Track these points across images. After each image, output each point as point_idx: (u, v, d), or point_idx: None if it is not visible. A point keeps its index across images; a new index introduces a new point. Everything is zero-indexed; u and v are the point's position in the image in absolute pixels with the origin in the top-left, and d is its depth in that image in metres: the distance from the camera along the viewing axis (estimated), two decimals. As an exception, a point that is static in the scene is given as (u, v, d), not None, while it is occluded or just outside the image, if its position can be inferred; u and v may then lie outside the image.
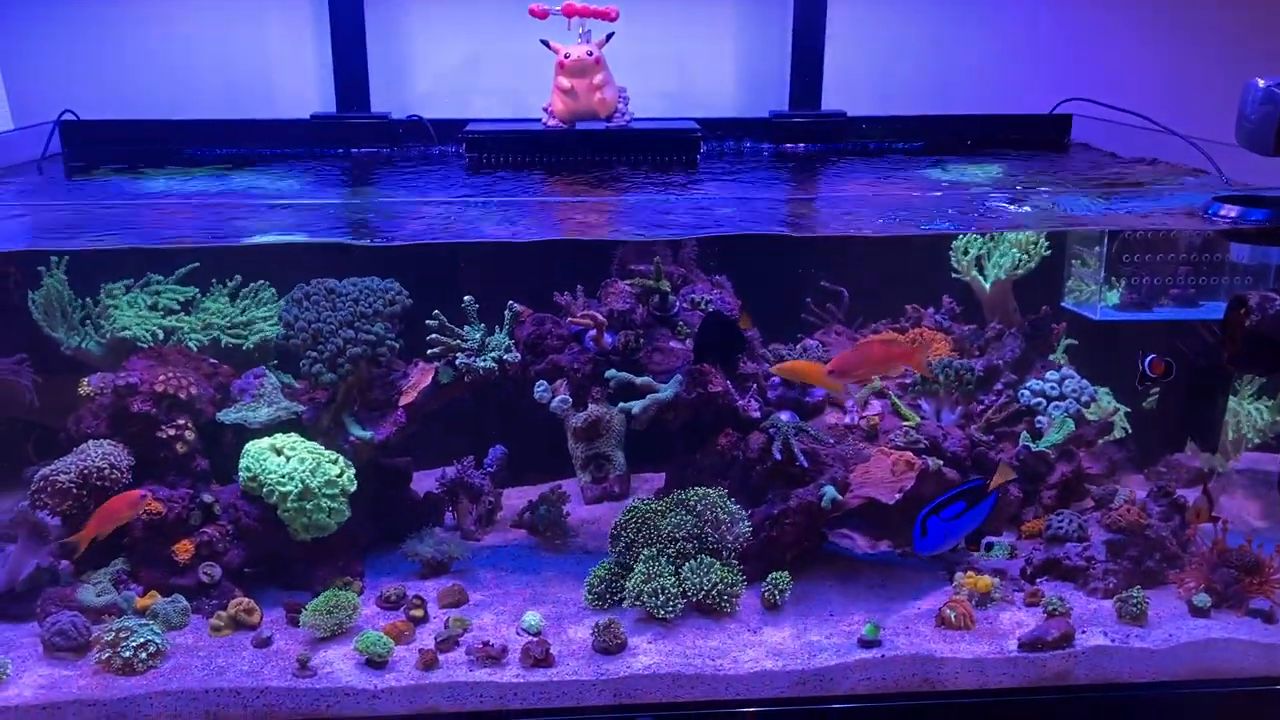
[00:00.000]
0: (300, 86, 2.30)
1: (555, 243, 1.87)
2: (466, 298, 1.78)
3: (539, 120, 2.02)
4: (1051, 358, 2.06)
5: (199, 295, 1.94)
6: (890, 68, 2.38)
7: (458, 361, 1.74)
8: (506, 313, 1.81)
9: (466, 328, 1.78)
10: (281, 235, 1.76)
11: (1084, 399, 1.94)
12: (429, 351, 1.77)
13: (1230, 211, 1.54)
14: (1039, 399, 1.95)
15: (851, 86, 2.36)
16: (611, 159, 2.02)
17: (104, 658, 1.54)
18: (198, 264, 1.91)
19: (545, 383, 1.76)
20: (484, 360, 1.75)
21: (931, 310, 2.12)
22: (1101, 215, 1.71)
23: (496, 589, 1.81)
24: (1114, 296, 1.93)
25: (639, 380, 1.74)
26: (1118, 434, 1.99)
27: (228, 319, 1.94)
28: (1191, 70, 2.36)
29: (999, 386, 1.97)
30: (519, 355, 1.78)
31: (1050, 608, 1.68)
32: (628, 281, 1.84)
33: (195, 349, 1.90)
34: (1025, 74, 2.38)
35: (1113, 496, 1.84)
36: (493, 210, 1.86)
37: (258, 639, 1.64)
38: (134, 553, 1.72)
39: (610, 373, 1.74)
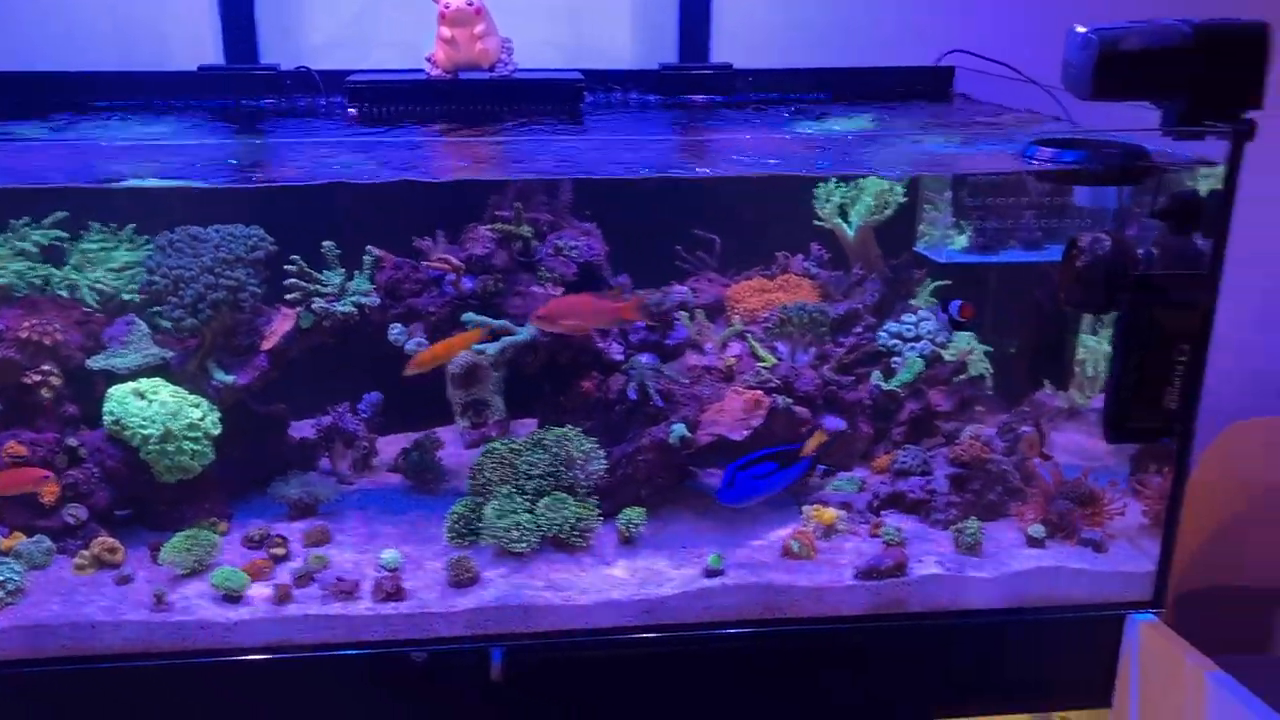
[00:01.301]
0: (197, 37, 2.29)
1: (427, 188, 1.92)
2: (326, 243, 1.82)
3: (424, 71, 2.04)
4: (914, 301, 2.12)
5: (71, 242, 1.95)
6: (780, 20, 2.42)
7: (315, 306, 1.78)
8: (366, 257, 1.84)
9: (326, 273, 1.82)
10: (146, 181, 1.79)
11: (939, 340, 2.01)
12: (287, 296, 1.81)
13: (1045, 154, 1.60)
14: (895, 340, 2.01)
15: (743, 39, 2.40)
16: (493, 109, 2.05)
17: (-40, 594, 1.58)
18: (66, 214, 1.92)
19: (400, 326, 1.80)
20: (343, 305, 1.79)
21: (800, 257, 2.18)
22: (938, 160, 1.76)
23: (363, 529, 1.86)
24: (963, 240, 1.99)
25: (496, 323, 1.78)
26: (976, 373, 2.05)
27: (101, 266, 1.95)
28: (1071, 22, 2.41)
29: (859, 329, 2.03)
30: (378, 300, 1.82)
31: (887, 538, 1.75)
32: (488, 226, 1.88)
33: (68, 296, 1.91)
34: (911, 26, 2.42)
35: (960, 432, 1.90)
36: (363, 153, 1.90)
37: (119, 577, 1.68)
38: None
39: (467, 316, 1.79)
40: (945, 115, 2.25)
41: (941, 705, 1.80)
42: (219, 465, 1.85)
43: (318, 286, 1.80)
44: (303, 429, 2.08)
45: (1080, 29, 1.57)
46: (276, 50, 2.30)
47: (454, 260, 1.78)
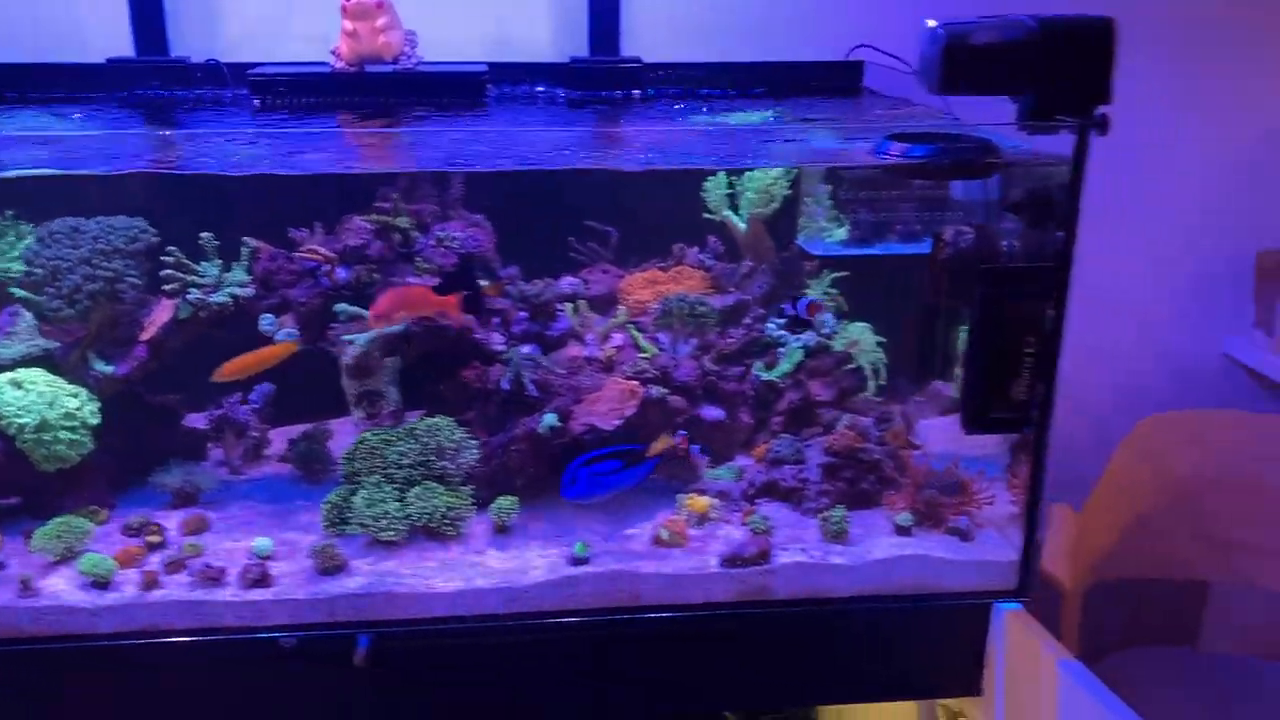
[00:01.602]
0: (113, 30, 2.30)
1: (318, 179, 1.94)
2: (204, 234, 1.84)
3: (328, 64, 2.06)
4: (811, 294, 2.13)
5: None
6: (694, 14, 2.43)
7: (191, 297, 1.80)
8: (243, 248, 1.86)
9: (204, 264, 1.84)
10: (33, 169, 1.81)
11: (825, 331, 2.03)
12: (165, 288, 1.83)
13: (896, 148, 1.61)
14: (782, 332, 2.03)
15: (658, 34, 2.41)
16: (396, 101, 2.06)
17: None
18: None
19: (271, 316, 1.82)
20: (219, 296, 1.81)
21: (695, 249, 2.19)
22: (814, 154, 1.78)
23: (244, 518, 1.88)
24: (841, 233, 2.00)
25: (368, 313, 1.81)
26: (868, 364, 2.07)
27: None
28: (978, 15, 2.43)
29: (747, 321, 2.05)
30: (253, 290, 1.84)
31: (753, 526, 1.77)
32: (364, 218, 1.90)
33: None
34: (828, 20, 2.43)
35: (837, 422, 1.92)
36: (252, 144, 1.92)
37: (-8, 564, 1.71)
38: (-124, 485, 1.78)
39: (339, 306, 1.81)
40: (848, 110, 2.27)
41: (811, 693, 1.83)
42: (103, 455, 1.87)
43: (194, 277, 1.82)
44: (199, 420, 2.10)
45: (931, 23, 1.58)
46: (194, 43, 2.31)
47: (324, 251, 1.80)
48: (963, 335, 2.04)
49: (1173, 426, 2.57)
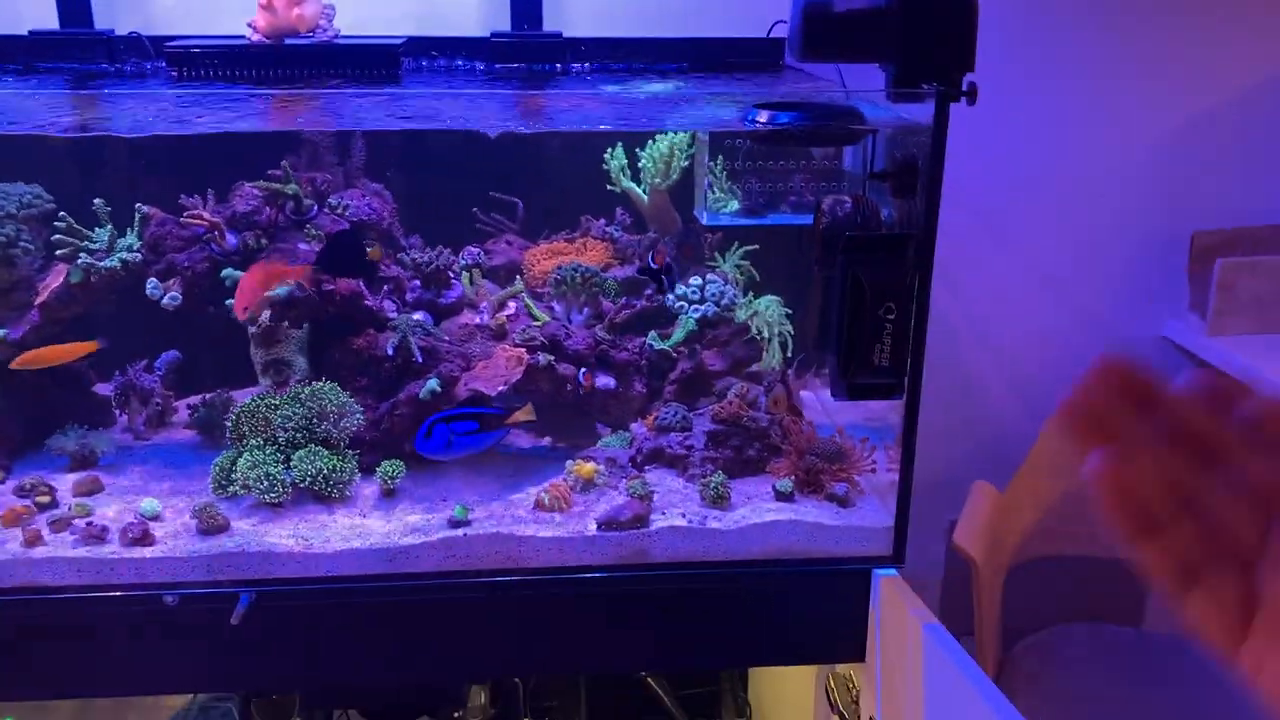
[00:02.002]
0: (42, 3, 2.32)
1: (219, 146, 1.96)
2: (97, 200, 1.86)
3: (245, 37, 2.08)
4: (722, 266, 2.15)
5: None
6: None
7: (81, 262, 1.83)
8: (136, 214, 1.89)
9: (96, 229, 1.86)
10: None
11: (723, 303, 2.05)
12: (58, 253, 1.86)
13: (762, 116, 1.63)
14: (681, 303, 2.05)
15: (579, 11, 2.42)
16: (313, 73, 2.09)
17: None
18: None
19: (156, 280, 1.84)
20: (110, 260, 1.84)
21: (601, 221, 2.21)
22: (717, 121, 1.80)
23: (139, 481, 1.91)
24: (734, 204, 2.02)
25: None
26: (766, 335, 2.09)
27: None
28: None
29: (648, 292, 2.07)
30: (140, 255, 1.86)
31: (632, 491, 1.80)
32: (255, 184, 1.92)
33: None
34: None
35: (727, 391, 1.94)
36: (160, 110, 1.95)
37: (-120, 522, 1.74)
38: None
39: (226, 271, 1.83)
40: (764, 86, 2.28)
41: (694, 657, 1.85)
42: (3, 418, 1.90)
43: (86, 243, 1.85)
44: (106, 388, 2.13)
45: (798, -10, 1.60)
46: (122, 18, 2.33)
47: (208, 216, 1.82)
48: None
49: (1100, 405, 2.58)
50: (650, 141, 2.09)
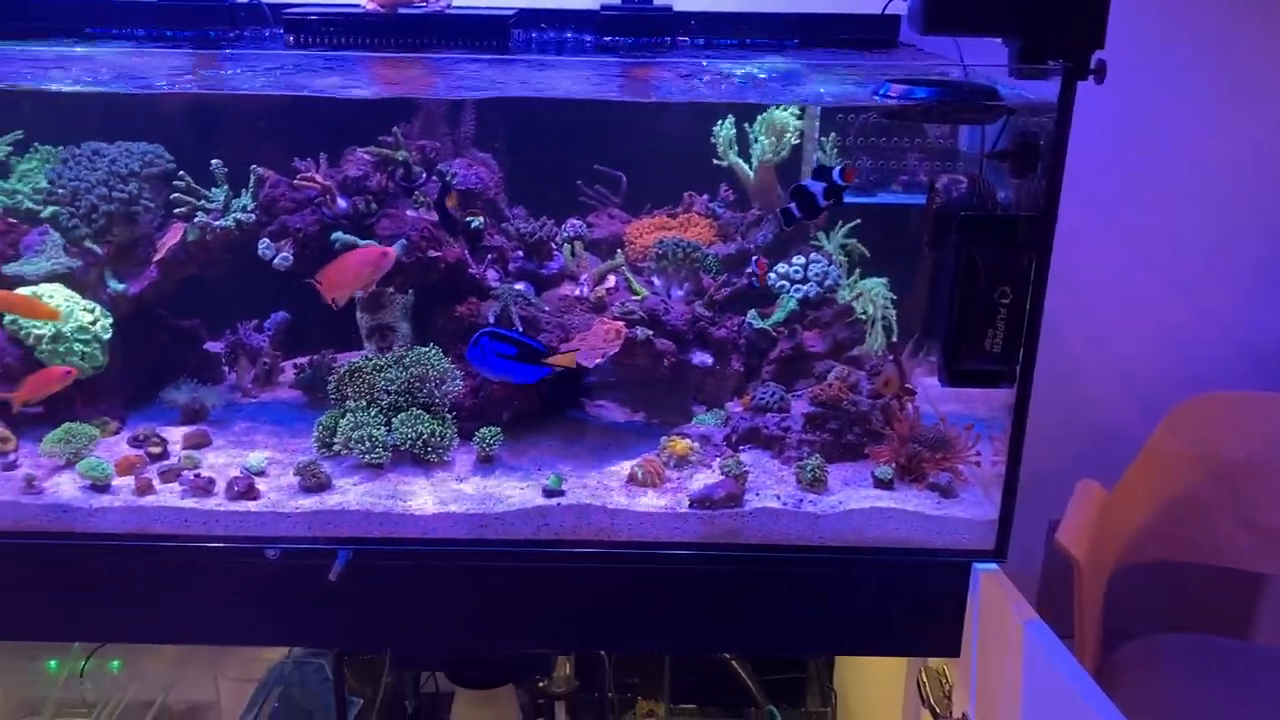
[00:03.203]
0: None
1: (334, 111, 1.99)
2: (214, 161, 1.91)
3: (359, 6, 2.11)
4: (827, 246, 2.11)
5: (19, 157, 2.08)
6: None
7: (198, 221, 1.88)
8: (251, 175, 1.93)
9: (214, 189, 1.91)
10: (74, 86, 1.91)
11: (827, 283, 2.01)
12: (175, 211, 1.91)
13: (895, 90, 1.58)
14: (783, 282, 2.01)
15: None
16: (425, 42, 2.11)
17: None
18: (20, 133, 2.05)
19: (268, 240, 1.88)
20: (225, 220, 1.88)
21: (705, 197, 2.19)
22: (826, 95, 1.75)
23: (244, 436, 1.96)
24: (842, 181, 1.97)
25: (363, 243, 1.85)
26: (872, 317, 2.04)
27: (28, 180, 2.07)
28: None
29: (749, 269, 2.04)
30: (254, 216, 1.90)
31: (727, 469, 1.77)
32: (366, 150, 1.94)
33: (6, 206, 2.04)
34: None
35: (829, 373, 1.90)
36: (279, 73, 1.99)
37: (4, 463, 1.81)
38: (-88, 385, 1.90)
39: (335, 235, 1.86)
40: (880, 62, 2.22)
41: (778, 641, 1.82)
42: (120, 370, 1.97)
43: (203, 202, 1.90)
44: (217, 345, 2.19)
45: (919, -37, 1.54)
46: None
47: (320, 179, 1.85)
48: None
49: (1216, 407, 2.47)
50: (760, 116, 2.05)
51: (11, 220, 2.04)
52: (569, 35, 2.38)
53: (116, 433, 1.93)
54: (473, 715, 2.38)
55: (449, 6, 2.14)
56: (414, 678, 2.71)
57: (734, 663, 2.75)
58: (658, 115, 2.30)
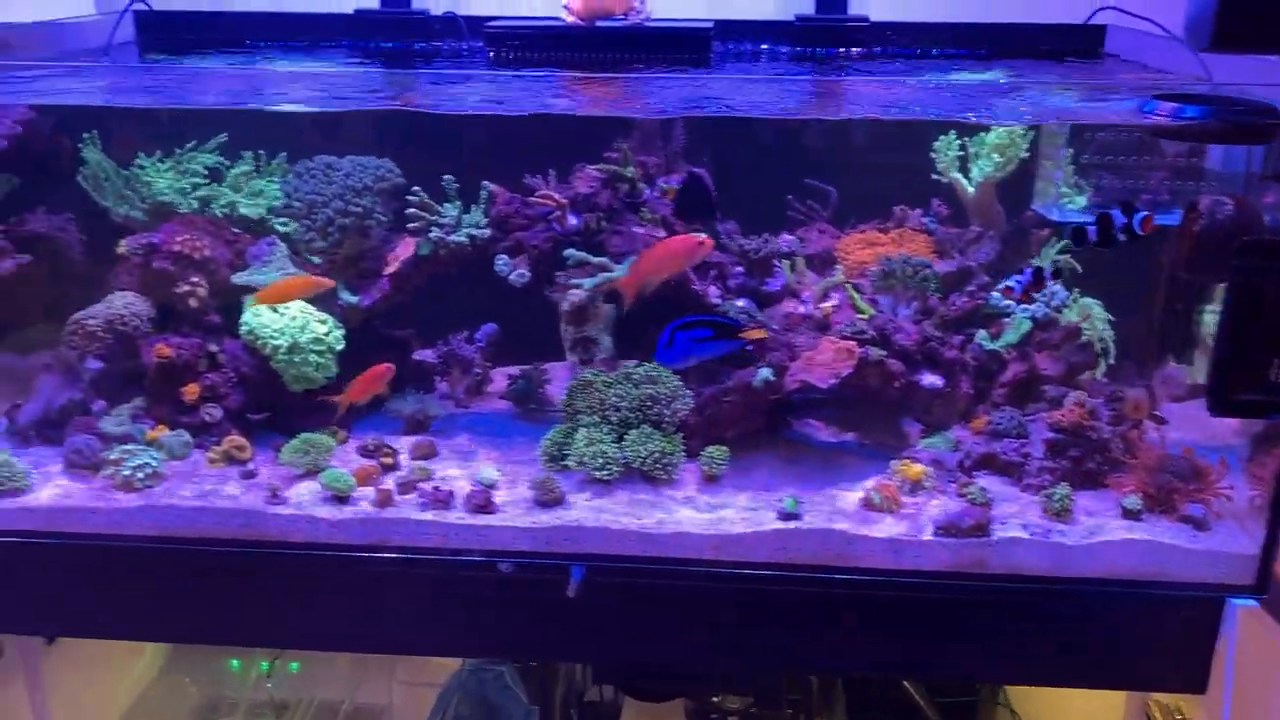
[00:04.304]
0: None
1: (557, 127, 2.00)
2: (446, 176, 1.93)
3: (560, 19, 2.12)
4: (1036, 262, 2.05)
5: (225, 165, 2.13)
6: (925, -28, 2.37)
7: (433, 235, 1.90)
8: (482, 192, 1.94)
9: (445, 204, 1.92)
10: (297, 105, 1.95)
11: (1054, 304, 1.95)
12: (409, 225, 1.93)
13: (1165, 108, 1.52)
14: (1009, 302, 1.96)
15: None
16: (625, 56, 2.11)
17: (109, 474, 1.79)
18: (225, 136, 2.10)
19: (506, 257, 1.89)
20: (458, 235, 1.90)
21: (918, 212, 2.14)
22: (1058, 112, 1.70)
23: (467, 448, 1.98)
24: (1081, 200, 1.91)
25: (595, 260, 1.85)
26: (1094, 339, 1.98)
27: (248, 190, 2.12)
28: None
29: (971, 287, 1.99)
30: (489, 232, 1.91)
31: (971, 497, 1.73)
32: (595, 167, 1.94)
33: (220, 216, 2.09)
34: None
35: (1064, 398, 1.85)
36: (495, 91, 2.01)
37: (244, 472, 1.85)
38: (150, 392, 1.95)
39: (568, 252, 1.86)
40: (1089, 74, 2.16)
41: (1020, 672, 1.78)
42: (344, 380, 2.00)
43: (436, 217, 1.91)
44: (426, 354, 2.21)
45: (1208, -23, 1.48)
46: (430, -2, 2.42)
47: (557, 197, 1.85)
48: (1208, 315, 1.93)
49: None
50: (987, 134, 2.00)
51: (236, 230, 2.09)
52: (764, 46, 2.36)
53: (344, 442, 1.96)
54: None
55: (649, 18, 2.13)
56: (580, 687, 2.72)
57: (907, 684, 2.71)
58: (856, 129, 2.27)
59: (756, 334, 1.81)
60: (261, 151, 2.12)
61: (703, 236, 1.75)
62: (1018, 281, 1.74)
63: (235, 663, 2.81)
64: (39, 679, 2.19)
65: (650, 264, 1.77)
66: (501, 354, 2.22)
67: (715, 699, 2.70)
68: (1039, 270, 1.73)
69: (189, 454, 1.90)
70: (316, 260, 1.98)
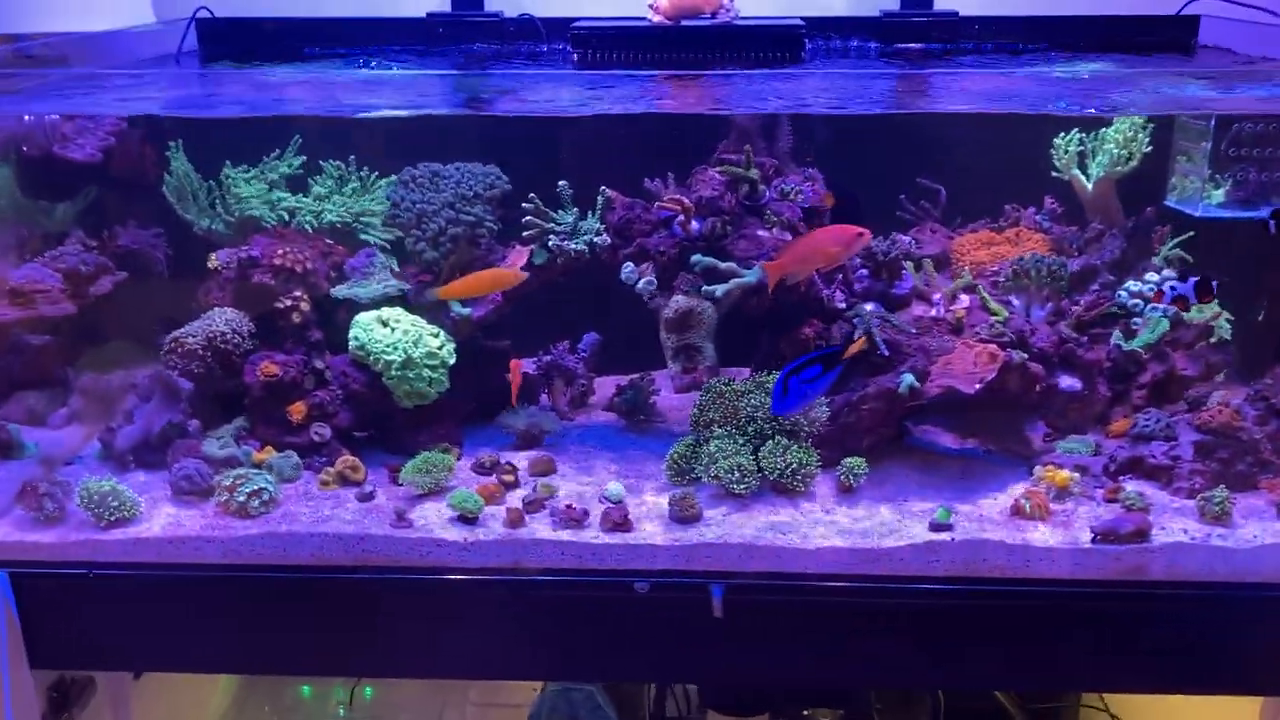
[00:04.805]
0: None
1: (654, 128, 1.93)
2: (561, 182, 1.85)
3: (646, 19, 2.05)
4: (1156, 260, 2.01)
5: (313, 178, 2.05)
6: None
7: (550, 244, 1.82)
8: (599, 198, 1.87)
9: (560, 211, 1.85)
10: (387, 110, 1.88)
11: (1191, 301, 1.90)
12: (524, 234, 1.86)
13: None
14: (1137, 300, 1.91)
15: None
16: (715, 56, 2.05)
17: (222, 500, 1.70)
18: (300, 138, 2.02)
19: (632, 264, 1.82)
20: (576, 243, 1.82)
21: (1032, 210, 2.09)
22: (1206, 101, 1.65)
23: (583, 462, 1.90)
24: (1219, 194, 1.86)
25: (723, 265, 1.79)
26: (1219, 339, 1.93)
27: (340, 203, 2.04)
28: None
29: (1095, 287, 1.94)
30: (609, 239, 1.84)
31: (1128, 502, 1.67)
32: (717, 169, 1.87)
33: (311, 229, 2.01)
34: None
35: (1206, 399, 1.80)
36: (594, 93, 1.94)
37: (361, 494, 1.76)
38: (253, 412, 1.86)
39: (696, 258, 1.79)
40: (1189, 66, 2.12)
41: (1178, 677, 1.72)
42: (453, 394, 1.92)
43: (552, 224, 1.84)
44: (529, 365, 2.14)
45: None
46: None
47: (685, 202, 1.79)
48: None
49: None
50: (1109, 129, 1.95)
51: (329, 241, 2.01)
52: (854, 43, 2.31)
53: (459, 459, 1.88)
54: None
55: (737, 16, 2.07)
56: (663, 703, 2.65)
57: (998, 694, 2.65)
58: (957, 125, 2.21)
59: (857, 347, 1.75)
60: (351, 158, 2.05)
61: (861, 229, 1.67)
62: (1171, 288, 1.69)
63: (306, 689, 2.72)
64: (128, 713, 2.10)
65: (804, 251, 1.69)
66: (598, 362, 2.15)
67: (806, 712, 2.64)
68: (1205, 280, 1.67)
69: (299, 476, 1.81)
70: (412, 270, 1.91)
